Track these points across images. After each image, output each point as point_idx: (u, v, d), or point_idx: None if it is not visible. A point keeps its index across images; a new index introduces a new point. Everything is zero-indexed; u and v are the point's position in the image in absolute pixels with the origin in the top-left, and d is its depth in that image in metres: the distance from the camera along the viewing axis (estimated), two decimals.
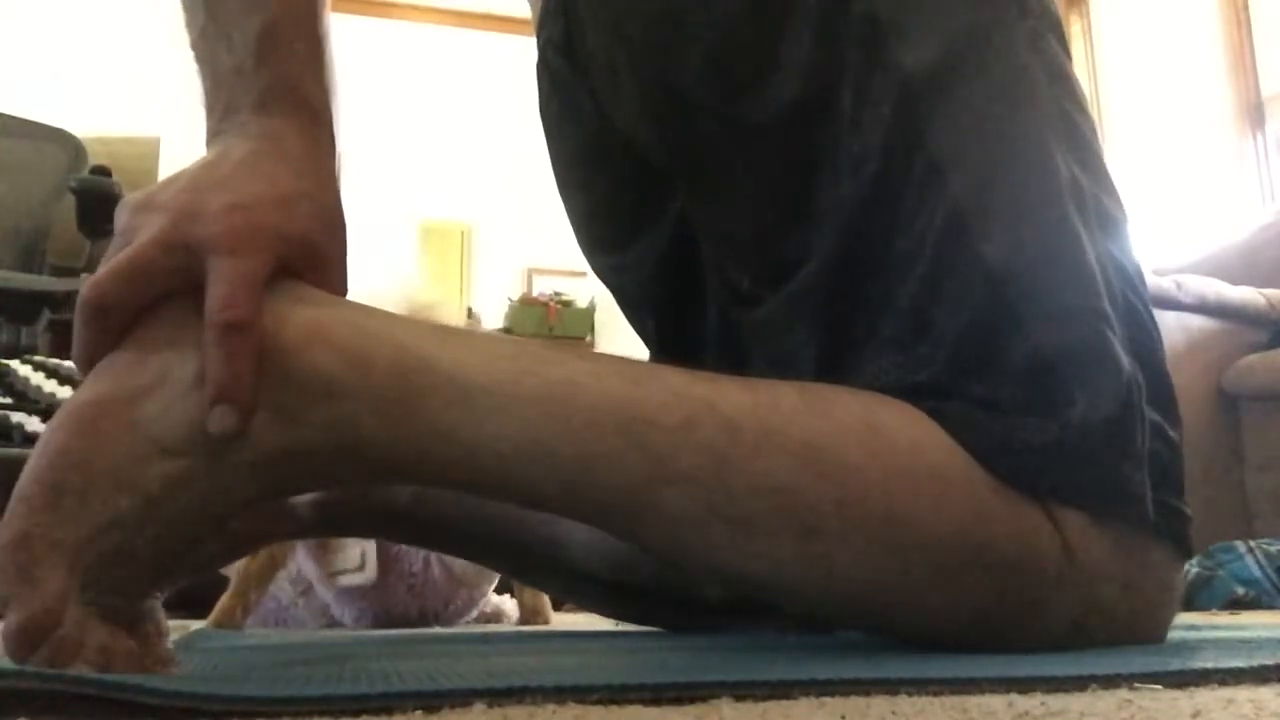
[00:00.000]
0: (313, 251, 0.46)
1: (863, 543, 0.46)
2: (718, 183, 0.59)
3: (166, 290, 0.43)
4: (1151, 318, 0.57)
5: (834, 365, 0.54)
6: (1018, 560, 0.48)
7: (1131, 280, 0.56)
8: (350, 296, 0.49)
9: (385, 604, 1.29)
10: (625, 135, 0.63)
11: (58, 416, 0.41)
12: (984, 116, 0.53)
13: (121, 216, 0.45)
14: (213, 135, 0.49)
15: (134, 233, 0.44)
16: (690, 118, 0.58)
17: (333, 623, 1.31)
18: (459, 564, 1.29)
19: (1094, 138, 0.59)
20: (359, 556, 1.28)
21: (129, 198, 0.46)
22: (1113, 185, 0.59)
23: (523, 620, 1.36)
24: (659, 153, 0.62)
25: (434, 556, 1.29)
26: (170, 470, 0.41)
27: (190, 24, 0.52)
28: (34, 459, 0.40)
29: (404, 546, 1.28)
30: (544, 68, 0.69)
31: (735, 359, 0.62)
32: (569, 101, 0.67)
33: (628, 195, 0.69)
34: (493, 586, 1.39)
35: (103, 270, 0.43)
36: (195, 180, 0.45)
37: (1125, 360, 0.51)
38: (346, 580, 1.28)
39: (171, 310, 0.43)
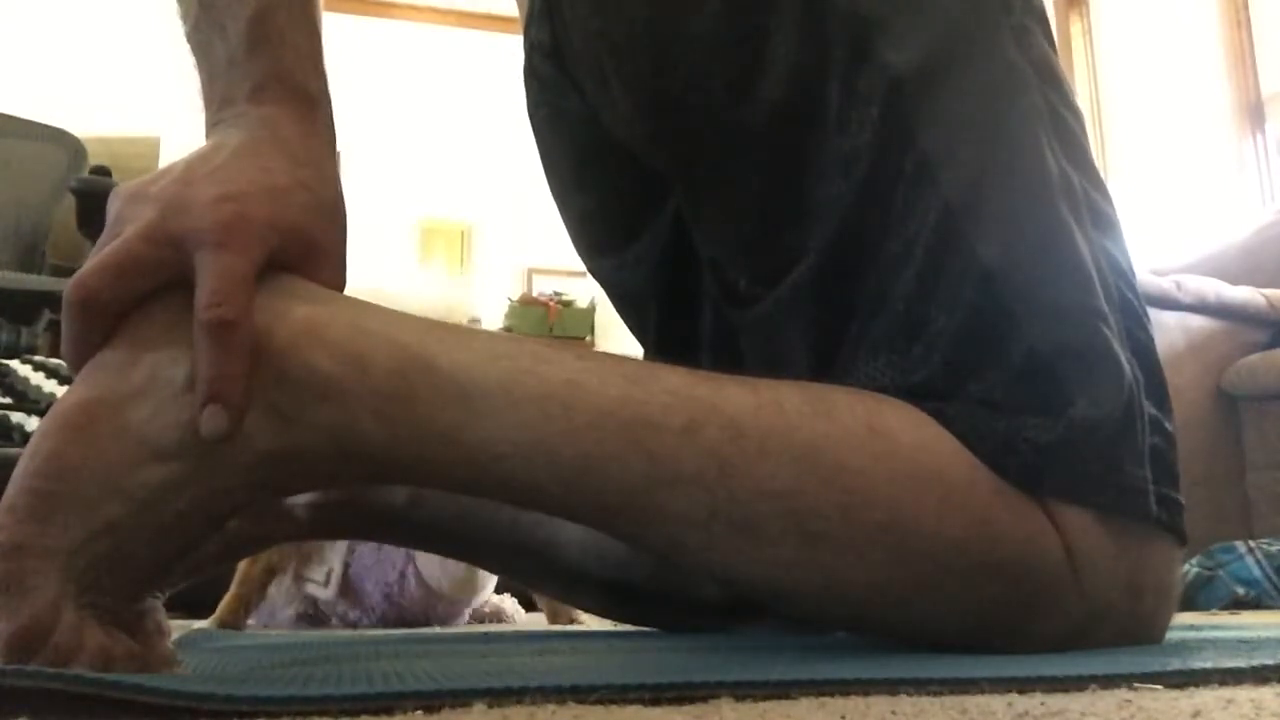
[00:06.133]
0: (307, 244, 0.45)
1: (865, 546, 0.46)
2: (711, 183, 0.59)
3: (156, 285, 0.42)
4: (1145, 311, 0.57)
5: (828, 366, 0.54)
6: (1020, 564, 0.48)
7: (1125, 275, 0.57)
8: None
9: (361, 609, 1.29)
10: (617, 138, 0.63)
11: (46, 422, 0.40)
12: (974, 114, 0.53)
13: (113, 206, 0.44)
14: (210, 128, 0.48)
15: (123, 224, 0.43)
16: (680, 120, 0.58)
17: (314, 615, 1.31)
18: (435, 577, 1.29)
19: (1082, 133, 0.59)
20: (325, 573, 1.28)
21: (122, 187, 0.44)
22: (1101, 181, 0.59)
23: (550, 623, 1.36)
24: (651, 155, 0.62)
25: (410, 569, 1.29)
26: (162, 474, 0.40)
27: (184, 16, 0.51)
28: (23, 465, 0.39)
29: (382, 557, 1.28)
30: (531, 73, 0.69)
31: (730, 359, 0.62)
32: (558, 106, 0.67)
33: (622, 197, 0.69)
34: (481, 596, 1.38)
35: (89, 265, 0.42)
36: (188, 171, 0.44)
37: (1124, 357, 0.51)
38: (311, 590, 1.29)
39: (163, 307, 0.42)
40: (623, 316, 0.76)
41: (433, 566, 1.29)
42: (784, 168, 0.55)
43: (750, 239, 0.58)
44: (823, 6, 0.54)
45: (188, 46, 0.51)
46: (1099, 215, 0.56)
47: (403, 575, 1.29)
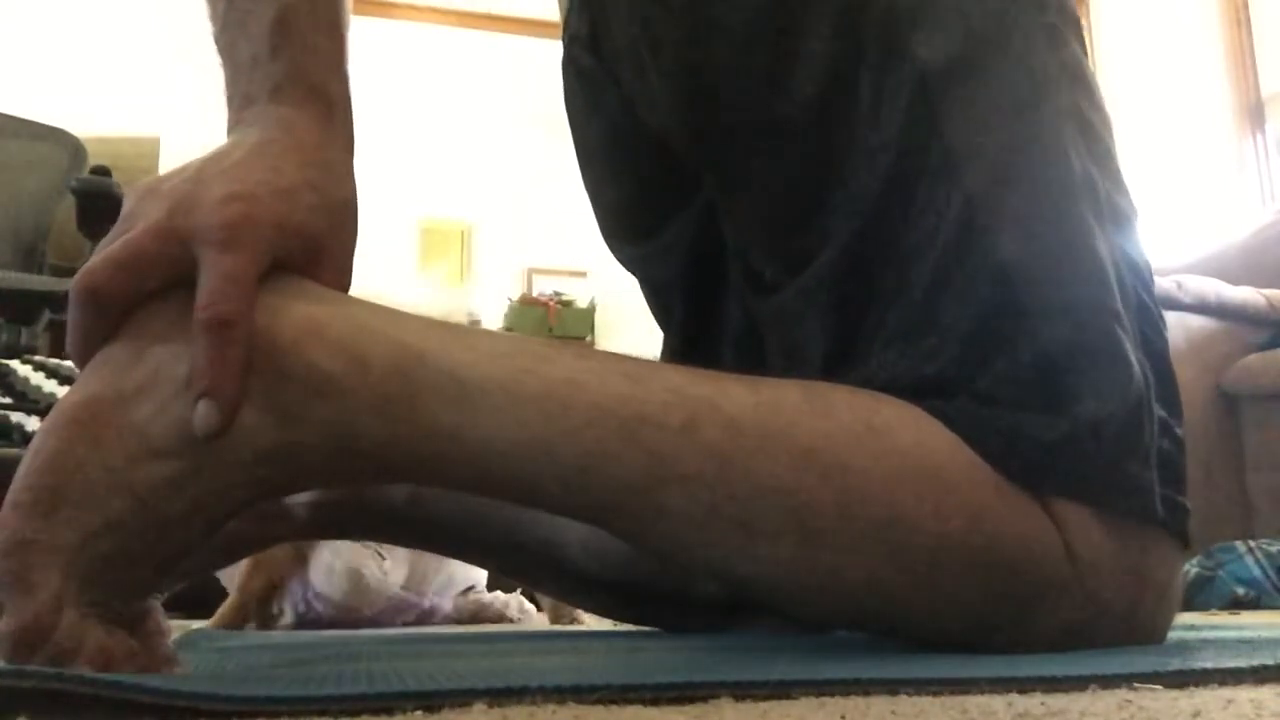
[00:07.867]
0: (312, 245, 0.45)
1: (864, 544, 0.46)
2: (742, 173, 0.59)
3: (162, 282, 0.42)
4: (1161, 316, 0.57)
5: (844, 355, 0.54)
6: (1019, 563, 0.48)
7: (1143, 277, 0.57)
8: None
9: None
10: (652, 128, 0.63)
11: (50, 419, 0.40)
12: (1000, 111, 0.53)
13: (128, 201, 0.44)
14: (231, 126, 0.49)
15: (133, 220, 0.43)
16: (716, 111, 0.58)
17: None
18: (324, 589, 1.28)
19: (1108, 135, 0.59)
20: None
21: (138, 183, 0.45)
22: (1124, 182, 0.59)
23: (553, 622, 1.35)
24: (685, 144, 0.63)
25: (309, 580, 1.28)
26: (164, 472, 0.40)
27: (212, 16, 0.52)
28: (26, 463, 0.39)
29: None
30: (570, 64, 0.70)
31: (753, 351, 0.62)
32: (595, 96, 0.68)
33: (655, 186, 0.69)
34: (373, 601, 1.36)
35: (97, 258, 0.42)
36: (200, 170, 0.44)
37: (1135, 358, 0.51)
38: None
39: (168, 304, 0.42)
40: (650, 303, 0.77)
41: (319, 578, 1.27)
42: (814, 158, 0.56)
43: (778, 228, 0.58)
44: (858, 1, 0.54)
45: (215, 46, 0.52)
46: (1120, 216, 0.56)
47: (307, 586, 1.28)
